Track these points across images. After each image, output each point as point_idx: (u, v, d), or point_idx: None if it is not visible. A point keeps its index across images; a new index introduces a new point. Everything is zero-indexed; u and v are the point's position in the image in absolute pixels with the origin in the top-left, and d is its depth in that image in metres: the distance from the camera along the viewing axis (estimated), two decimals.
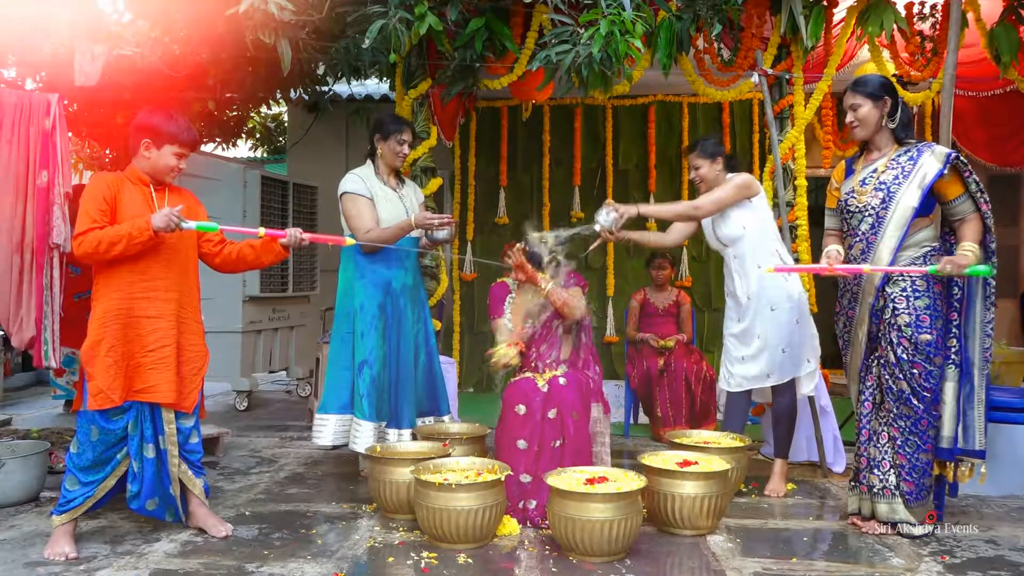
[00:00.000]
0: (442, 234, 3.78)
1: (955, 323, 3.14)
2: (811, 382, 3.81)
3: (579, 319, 3.56)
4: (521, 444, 3.26)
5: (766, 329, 3.68)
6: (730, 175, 3.78)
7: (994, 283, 3.13)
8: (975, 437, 3.14)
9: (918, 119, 6.66)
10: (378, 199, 3.79)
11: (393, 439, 3.72)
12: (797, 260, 4.22)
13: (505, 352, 3.47)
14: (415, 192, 4.06)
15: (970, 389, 3.14)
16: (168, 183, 3.14)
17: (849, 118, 3.25)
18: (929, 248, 3.14)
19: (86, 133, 6.61)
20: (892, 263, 3.11)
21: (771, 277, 3.65)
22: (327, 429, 3.76)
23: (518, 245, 3.54)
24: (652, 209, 4.02)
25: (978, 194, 3.08)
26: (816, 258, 4.29)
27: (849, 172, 3.34)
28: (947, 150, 3.14)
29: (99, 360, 2.92)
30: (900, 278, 3.12)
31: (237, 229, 3.18)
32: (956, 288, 3.14)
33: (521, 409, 3.29)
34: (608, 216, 3.50)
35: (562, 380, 3.38)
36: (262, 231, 3.15)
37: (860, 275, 3.20)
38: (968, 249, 3.02)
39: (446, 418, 4.02)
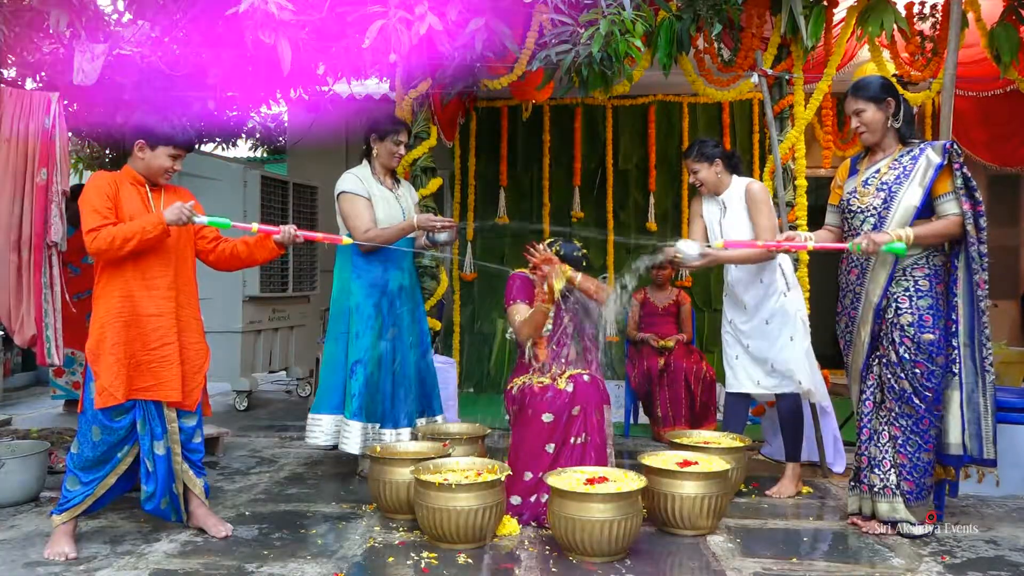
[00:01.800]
0: (443, 236, 3.79)
1: (951, 331, 3.12)
2: (815, 392, 3.78)
3: (603, 301, 3.58)
4: (550, 448, 3.28)
5: (758, 340, 3.68)
6: (737, 179, 3.76)
7: (984, 289, 3.09)
8: (984, 447, 3.12)
9: (918, 119, 6.66)
10: (375, 199, 3.79)
11: (390, 439, 3.72)
12: (797, 262, 4.22)
13: (563, 271, 3.43)
14: (410, 192, 4.07)
15: (973, 393, 3.12)
16: (163, 183, 3.14)
17: (854, 124, 3.23)
18: (932, 249, 3.13)
19: (86, 133, 6.61)
20: (895, 264, 3.11)
21: (770, 288, 3.64)
22: (320, 429, 3.77)
23: (546, 242, 3.58)
24: (734, 256, 3.60)
25: (962, 190, 3.06)
26: (812, 256, 4.30)
27: (853, 171, 3.33)
28: (945, 141, 3.13)
29: (103, 358, 2.92)
30: (904, 278, 3.11)
31: (240, 225, 3.19)
32: (953, 296, 3.12)
33: (548, 417, 3.29)
34: (690, 252, 3.38)
35: (586, 377, 3.39)
36: (255, 227, 3.14)
37: (864, 276, 3.19)
38: (895, 232, 3.01)
39: (439, 418, 4.02)
